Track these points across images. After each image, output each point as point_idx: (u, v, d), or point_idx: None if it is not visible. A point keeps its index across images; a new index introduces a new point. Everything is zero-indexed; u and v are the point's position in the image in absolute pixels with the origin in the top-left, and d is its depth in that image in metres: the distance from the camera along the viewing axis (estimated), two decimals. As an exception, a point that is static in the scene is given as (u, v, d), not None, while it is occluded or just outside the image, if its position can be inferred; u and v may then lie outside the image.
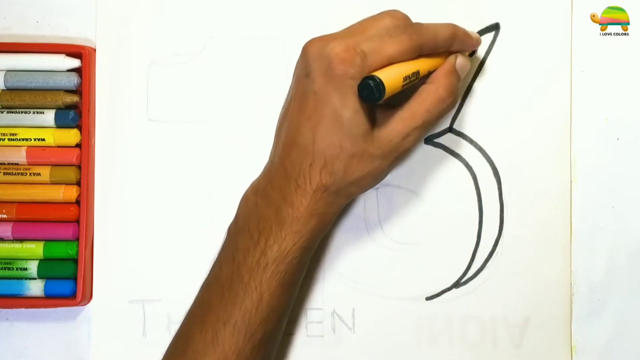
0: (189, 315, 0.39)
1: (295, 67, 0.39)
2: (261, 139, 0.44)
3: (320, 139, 0.37)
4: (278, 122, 0.41)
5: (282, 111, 0.41)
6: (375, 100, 0.35)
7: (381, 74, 0.35)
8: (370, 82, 0.35)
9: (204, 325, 0.37)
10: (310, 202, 0.37)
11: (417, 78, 0.38)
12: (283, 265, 0.37)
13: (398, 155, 0.38)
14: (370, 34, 0.37)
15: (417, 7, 0.44)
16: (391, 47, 0.37)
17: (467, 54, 0.41)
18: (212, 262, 0.40)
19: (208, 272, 0.40)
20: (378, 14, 0.39)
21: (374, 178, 0.38)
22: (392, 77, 0.36)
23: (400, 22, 0.38)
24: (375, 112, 0.38)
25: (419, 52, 0.38)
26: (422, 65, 0.38)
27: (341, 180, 0.37)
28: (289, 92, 0.40)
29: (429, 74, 0.39)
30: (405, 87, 0.37)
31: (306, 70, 0.37)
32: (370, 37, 0.37)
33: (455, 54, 0.40)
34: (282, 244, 0.37)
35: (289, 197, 0.37)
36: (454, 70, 0.40)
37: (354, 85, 0.36)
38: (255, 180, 0.40)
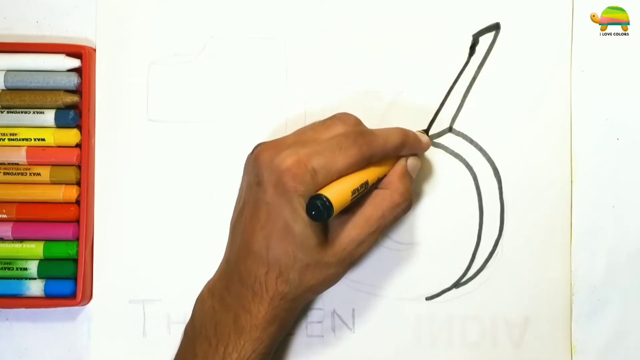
0: None
1: (245, 169, 0.39)
2: (261, 139, 0.44)
3: (273, 248, 0.37)
4: (231, 222, 0.41)
5: (234, 212, 0.40)
6: (324, 219, 0.35)
7: (329, 192, 0.35)
8: (318, 202, 0.34)
9: None
10: (268, 309, 0.37)
11: (365, 188, 0.37)
12: None
13: (353, 261, 0.38)
14: (322, 146, 0.37)
15: (418, 8, 0.44)
16: (341, 161, 0.36)
17: (417, 155, 0.41)
18: None
19: None
20: (330, 119, 0.38)
21: (329, 283, 0.39)
22: (340, 193, 0.36)
23: (352, 128, 0.38)
24: (330, 221, 0.38)
25: (369, 162, 0.38)
26: (371, 174, 0.38)
27: (297, 289, 0.37)
28: (240, 193, 0.40)
29: (379, 179, 0.39)
30: (354, 199, 0.37)
31: (257, 179, 0.37)
32: (321, 150, 0.36)
33: (406, 157, 0.40)
34: (242, 352, 0.37)
35: (246, 304, 0.37)
36: (406, 174, 0.39)
37: (302, 202, 0.35)
38: (211, 280, 0.40)
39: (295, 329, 0.43)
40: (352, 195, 0.36)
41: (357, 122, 0.39)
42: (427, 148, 0.42)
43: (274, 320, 0.37)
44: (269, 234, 0.37)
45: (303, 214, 0.36)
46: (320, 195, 0.35)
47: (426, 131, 0.43)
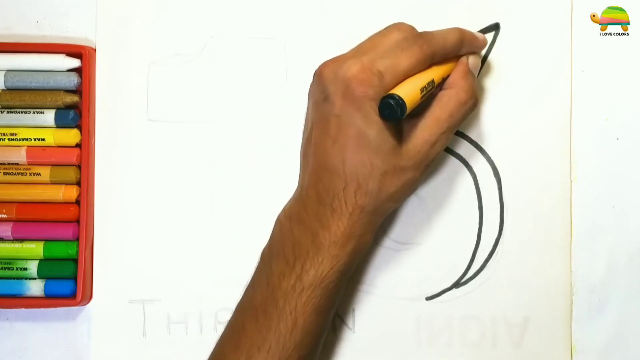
0: (222, 338, 0.39)
1: (310, 91, 0.39)
2: (261, 139, 0.44)
3: (349, 160, 0.37)
4: (301, 148, 0.40)
5: (303, 137, 0.40)
6: (398, 119, 0.35)
7: (400, 91, 0.36)
8: (391, 101, 0.35)
9: (237, 349, 0.37)
10: (347, 224, 0.37)
11: (433, 87, 0.38)
12: (319, 290, 0.37)
13: (428, 163, 0.39)
14: (383, 50, 0.37)
15: (418, 8, 0.44)
16: (405, 61, 0.37)
17: (477, 54, 0.41)
18: (246, 286, 0.39)
19: (241, 295, 0.39)
20: (385, 29, 0.39)
21: (409, 189, 0.39)
22: (410, 92, 0.36)
23: (409, 33, 0.38)
24: (400, 124, 0.38)
25: (432, 61, 0.38)
26: (436, 73, 0.38)
27: (377, 199, 0.37)
28: (307, 117, 0.40)
29: (444, 80, 0.39)
30: (423, 98, 0.37)
31: (324, 94, 0.37)
32: (383, 54, 0.37)
33: (466, 55, 0.41)
34: (319, 269, 0.37)
35: (325, 222, 0.37)
36: (469, 72, 0.40)
37: (374, 105, 0.36)
38: (287, 205, 0.40)
39: None
40: (421, 94, 0.37)
41: (412, 28, 0.39)
42: (484, 45, 0.42)
43: (352, 235, 0.37)
44: (343, 147, 0.37)
45: (376, 118, 0.36)
46: (392, 94, 0.35)
47: (482, 31, 0.43)
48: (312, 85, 0.39)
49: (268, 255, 0.39)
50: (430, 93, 0.38)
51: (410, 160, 0.37)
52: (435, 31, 0.39)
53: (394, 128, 0.37)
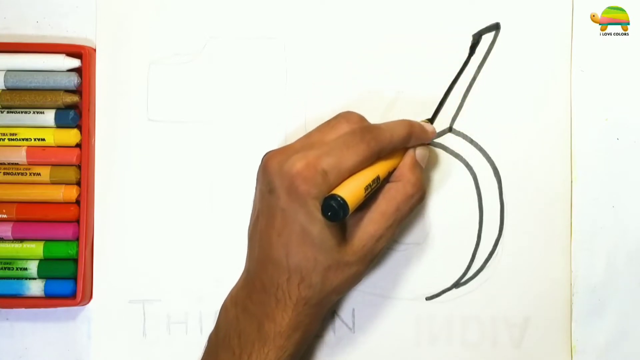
0: None
1: (257, 179, 0.39)
2: (261, 139, 0.44)
3: (293, 254, 0.36)
4: (249, 232, 0.40)
5: (250, 222, 0.40)
6: (340, 219, 0.35)
7: (343, 190, 0.35)
8: (333, 203, 0.34)
9: None
10: (292, 315, 0.37)
11: (378, 183, 0.38)
12: None
13: (373, 257, 0.38)
14: (330, 147, 0.37)
15: (418, 8, 0.44)
16: (351, 159, 0.37)
17: (425, 145, 0.41)
18: None
19: None
20: (334, 119, 0.39)
21: (352, 283, 0.38)
22: (354, 191, 0.36)
23: (357, 126, 0.38)
24: (347, 219, 0.38)
25: (378, 157, 0.38)
26: (382, 168, 0.38)
27: (321, 292, 0.37)
28: (254, 201, 0.40)
29: (390, 173, 0.39)
30: (367, 195, 0.37)
31: (269, 187, 0.37)
32: (329, 151, 0.36)
33: (413, 147, 0.40)
34: None
35: (270, 312, 0.37)
36: (416, 164, 0.40)
37: (317, 204, 0.35)
38: (234, 289, 0.40)
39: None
40: (365, 192, 0.36)
41: (361, 119, 0.39)
42: (433, 137, 0.42)
43: (298, 326, 0.37)
44: (287, 241, 0.36)
45: (319, 216, 0.35)
46: (334, 195, 0.35)
47: (430, 120, 0.43)
48: (258, 173, 0.39)
49: (215, 342, 0.39)
50: (375, 189, 0.38)
51: (355, 255, 0.37)
52: (383, 125, 0.39)
53: (338, 224, 0.37)
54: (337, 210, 0.34)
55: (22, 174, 0.43)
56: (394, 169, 0.39)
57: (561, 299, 0.43)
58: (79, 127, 0.43)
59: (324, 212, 0.35)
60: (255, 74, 0.44)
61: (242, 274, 0.40)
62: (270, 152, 0.38)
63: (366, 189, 0.37)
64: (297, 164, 0.36)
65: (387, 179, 0.39)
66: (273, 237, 0.37)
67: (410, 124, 0.40)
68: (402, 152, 0.40)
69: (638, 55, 0.44)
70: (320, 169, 0.36)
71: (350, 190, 0.36)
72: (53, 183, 0.43)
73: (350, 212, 0.35)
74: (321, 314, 0.39)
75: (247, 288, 0.39)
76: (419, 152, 0.40)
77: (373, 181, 0.37)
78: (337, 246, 0.37)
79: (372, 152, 0.37)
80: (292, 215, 0.36)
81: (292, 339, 0.37)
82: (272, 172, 0.37)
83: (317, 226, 0.36)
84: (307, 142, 0.38)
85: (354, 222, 0.38)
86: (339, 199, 0.35)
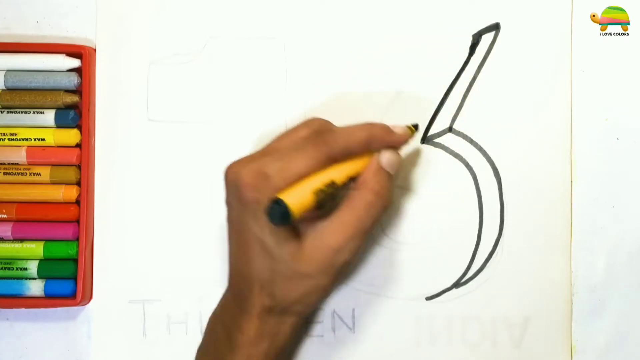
0: None
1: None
2: (261, 139, 0.44)
3: (252, 265, 0.36)
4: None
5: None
6: (286, 222, 0.34)
7: (286, 194, 0.34)
8: (275, 205, 0.34)
9: None
10: (257, 325, 0.36)
11: (335, 188, 0.36)
12: None
13: (338, 270, 0.36)
14: (279, 153, 0.36)
15: (418, 8, 0.44)
16: (298, 163, 0.35)
17: (396, 149, 0.39)
18: None
19: None
20: (297, 125, 0.38)
21: (316, 295, 0.37)
22: (299, 194, 0.35)
23: (312, 130, 0.37)
24: (304, 228, 0.37)
25: (331, 162, 0.36)
26: (338, 173, 0.36)
27: (283, 301, 0.36)
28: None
29: (354, 179, 0.37)
30: (323, 200, 0.35)
31: (227, 199, 0.37)
32: (278, 157, 0.36)
33: (381, 151, 0.38)
34: None
35: (238, 322, 0.37)
36: (379, 170, 0.37)
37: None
38: (218, 302, 0.40)
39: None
40: (317, 196, 0.35)
41: (322, 124, 0.38)
42: (403, 141, 0.39)
43: (263, 335, 0.37)
44: (246, 251, 0.36)
45: (269, 224, 0.35)
46: (276, 198, 0.34)
47: (415, 126, 0.40)
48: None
49: (198, 355, 0.40)
50: (335, 194, 0.36)
51: (313, 266, 0.36)
52: (341, 128, 0.37)
53: (294, 233, 0.36)
54: (280, 214, 0.34)
55: (22, 174, 0.43)
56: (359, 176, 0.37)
57: (561, 299, 0.43)
58: (79, 127, 0.43)
59: (269, 216, 0.34)
60: (255, 74, 0.44)
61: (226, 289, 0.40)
62: (231, 163, 0.37)
63: (317, 193, 0.35)
64: (244, 172, 0.35)
65: (354, 185, 0.37)
66: (235, 249, 0.37)
67: (370, 126, 0.38)
68: (369, 157, 0.38)
69: (638, 55, 0.44)
70: (265, 174, 0.35)
71: (296, 193, 0.35)
72: (53, 183, 0.43)
73: (297, 216, 0.34)
74: (288, 324, 0.38)
75: (224, 301, 0.39)
76: (385, 156, 0.38)
77: (328, 186, 0.35)
78: (292, 256, 0.36)
79: (321, 154, 0.36)
80: (246, 226, 0.36)
81: (259, 347, 0.37)
82: (227, 183, 0.37)
83: (270, 235, 0.35)
84: (265, 149, 0.37)
85: (313, 231, 0.36)
86: (279, 201, 0.34)
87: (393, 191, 0.40)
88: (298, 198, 0.34)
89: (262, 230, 0.36)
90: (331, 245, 0.36)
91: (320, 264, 0.36)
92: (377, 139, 0.38)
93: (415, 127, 0.40)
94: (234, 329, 0.37)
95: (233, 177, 0.36)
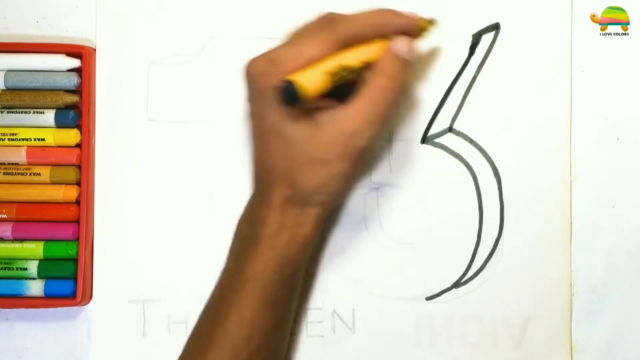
0: (188, 341, 0.39)
1: None
2: (261, 139, 0.44)
3: (271, 155, 0.37)
4: None
5: None
6: (296, 102, 0.34)
7: (296, 75, 0.35)
8: (283, 85, 0.34)
9: (194, 345, 0.38)
10: (278, 216, 0.37)
11: (349, 72, 0.36)
12: (261, 282, 0.37)
13: (356, 156, 0.37)
14: (291, 40, 0.37)
15: (418, 8, 0.44)
16: (310, 47, 0.36)
17: (411, 36, 0.38)
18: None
19: None
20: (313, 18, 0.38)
21: (338, 183, 0.37)
22: (310, 75, 0.35)
23: (324, 18, 0.37)
24: (320, 116, 0.37)
25: (343, 45, 0.36)
26: (352, 56, 0.36)
27: (302, 190, 0.37)
28: None
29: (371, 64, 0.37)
30: (337, 82, 0.36)
31: (247, 95, 0.38)
32: (291, 43, 0.37)
33: (396, 37, 0.38)
34: (259, 261, 0.37)
35: (262, 216, 0.37)
36: (392, 54, 0.37)
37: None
38: (244, 208, 0.40)
39: (296, 329, 0.43)
40: (330, 77, 0.35)
41: (333, 13, 0.37)
42: (416, 25, 0.38)
43: (284, 227, 0.37)
44: (264, 143, 0.37)
45: (284, 109, 0.35)
46: (287, 79, 0.34)
47: (431, 21, 0.39)
48: None
49: (226, 257, 0.40)
50: (349, 78, 0.36)
51: (331, 152, 0.36)
52: (355, 14, 0.37)
53: (311, 119, 0.36)
54: (289, 94, 0.34)
55: (22, 174, 0.43)
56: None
57: (561, 299, 0.43)
58: (79, 127, 0.43)
59: (279, 97, 0.34)
60: (255, 74, 0.44)
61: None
62: (251, 58, 0.37)
63: (330, 74, 0.35)
64: (256, 63, 0.36)
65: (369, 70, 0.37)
66: (255, 143, 0.38)
67: (381, 10, 0.37)
68: (385, 44, 0.37)
69: (638, 55, 0.44)
70: (274, 59, 0.36)
71: (306, 75, 0.35)
72: (53, 183, 0.43)
73: (310, 96, 0.34)
74: (310, 215, 0.38)
75: (250, 200, 0.40)
76: (399, 41, 0.37)
77: (342, 69, 0.35)
78: (309, 141, 0.36)
79: (332, 38, 0.36)
80: (263, 116, 0.36)
81: (280, 239, 0.37)
82: (245, 77, 0.37)
83: (286, 121, 0.36)
84: (282, 41, 0.38)
85: (331, 118, 0.36)
86: (289, 81, 0.34)
87: (409, 77, 0.40)
88: (309, 78, 0.35)
89: (279, 117, 0.36)
90: (347, 130, 0.36)
91: (338, 149, 0.36)
92: (389, 23, 0.37)
93: (431, 22, 0.39)
94: (258, 222, 0.37)
95: (248, 70, 0.37)
